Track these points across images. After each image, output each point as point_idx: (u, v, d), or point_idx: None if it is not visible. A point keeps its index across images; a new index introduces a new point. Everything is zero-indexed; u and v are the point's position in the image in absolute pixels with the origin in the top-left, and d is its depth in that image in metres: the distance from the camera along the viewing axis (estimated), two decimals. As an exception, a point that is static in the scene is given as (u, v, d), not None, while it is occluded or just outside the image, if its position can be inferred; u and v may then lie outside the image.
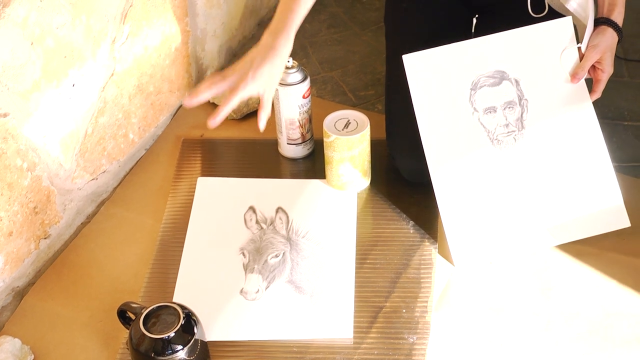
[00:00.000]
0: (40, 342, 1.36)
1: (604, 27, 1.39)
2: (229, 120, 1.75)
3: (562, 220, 1.43)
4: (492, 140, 1.42)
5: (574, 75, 1.40)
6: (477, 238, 1.43)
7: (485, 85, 1.41)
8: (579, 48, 1.40)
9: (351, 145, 1.49)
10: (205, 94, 1.31)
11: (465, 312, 1.37)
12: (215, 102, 1.77)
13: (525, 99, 1.41)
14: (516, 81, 1.42)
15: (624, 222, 1.44)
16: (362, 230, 1.50)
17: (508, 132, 1.41)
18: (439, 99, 1.42)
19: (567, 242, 1.44)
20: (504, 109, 1.41)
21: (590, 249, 1.45)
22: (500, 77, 1.41)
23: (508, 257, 1.44)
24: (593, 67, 1.41)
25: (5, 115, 1.31)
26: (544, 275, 1.42)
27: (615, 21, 1.39)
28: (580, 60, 1.40)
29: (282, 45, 1.31)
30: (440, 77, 1.41)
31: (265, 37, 1.33)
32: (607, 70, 1.39)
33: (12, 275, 1.41)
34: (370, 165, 1.57)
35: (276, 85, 1.37)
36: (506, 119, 1.41)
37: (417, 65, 1.41)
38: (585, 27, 1.40)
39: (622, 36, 1.40)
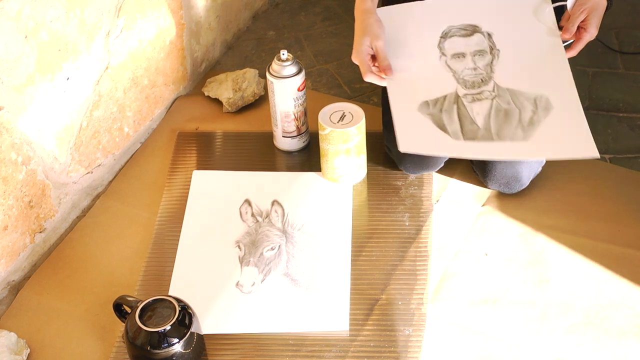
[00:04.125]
0: (36, 336, 1.36)
1: None
2: (224, 113, 1.75)
3: (522, 138, 1.36)
4: (457, 80, 1.40)
5: (565, 30, 1.38)
6: (423, 130, 1.38)
7: (456, 35, 1.42)
8: (566, 5, 1.38)
9: (346, 137, 1.49)
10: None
11: (461, 303, 1.38)
12: (212, 96, 1.77)
13: (497, 49, 1.41)
14: (489, 34, 1.42)
15: (592, 151, 1.32)
16: (357, 223, 1.50)
17: (476, 74, 1.41)
18: (407, 45, 1.42)
19: (524, 158, 1.38)
20: (474, 55, 1.41)
21: (586, 240, 1.45)
22: (472, 30, 1.42)
23: (451, 154, 1.40)
24: (577, 27, 1.39)
25: (-1, 109, 1.31)
26: (539, 266, 1.43)
27: None
28: (561, 16, 1.39)
29: (365, 14, 1.39)
30: (411, 27, 1.42)
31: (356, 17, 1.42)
32: (590, 31, 1.37)
33: (8, 269, 1.41)
34: (365, 158, 1.57)
35: (383, 34, 1.39)
36: (475, 64, 1.41)
37: (391, 17, 1.42)
38: None
39: (611, 3, 1.38)
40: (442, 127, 1.36)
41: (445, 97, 1.39)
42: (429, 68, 1.41)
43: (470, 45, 1.41)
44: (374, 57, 1.39)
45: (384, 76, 1.38)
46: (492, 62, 1.41)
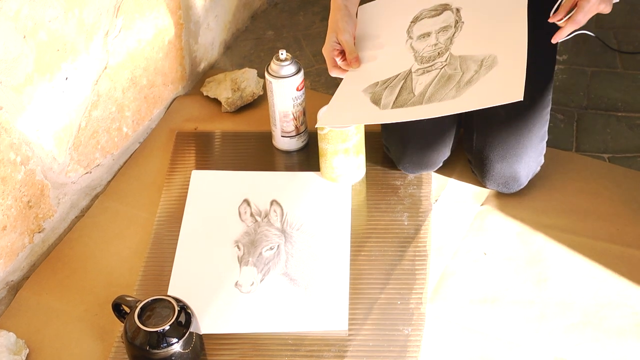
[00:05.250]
0: (35, 336, 1.36)
1: None
2: (223, 113, 1.75)
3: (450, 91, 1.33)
4: (416, 58, 1.40)
5: (554, 15, 1.32)
6: (352, 105, 1.38)
7: (425, 17, 1.42)
8: None
9: (345, 137, 1.49)
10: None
11: (460, 303, 1.38)
12: (210, 96, 1.77)
13: (462, 22, 1.39)
14: (457, 9, 1.41)
15: (516, 95, 1.23)
16: (356, 223, 1.50)
17: (434, 49, 1.39)
18: (379, 36, 1.43)
19: (446, 114, 1.31)
20: (438, 32, 1.40)
21: (584, 240, 1.45)
22: (443, 9, 1.42)
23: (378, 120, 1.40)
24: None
25: (-2, 109, 1.31)
26: (538, 266, 1.43)
27: None
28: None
29: (335, 10, 1.43)
30: (386, 18, 1.44)
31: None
32: (591, 1, 1.27)
33: (7, 269, 1.41)
34: (364, 158, 1.57)
35: (350, 28, 1.42)
36: (437, 40, 1.40)
37: (369, 13, 1.44)
38: None
39: None
40: (377, 102, 1.36)
41: (397, 75, 1.39)
42: (393, 53, 1.41)
43: (437, 24, 1.41)
44: (344, 52, 1.41)
45: (350, 69, 1.40)
46: (453, 35, 1.39)
